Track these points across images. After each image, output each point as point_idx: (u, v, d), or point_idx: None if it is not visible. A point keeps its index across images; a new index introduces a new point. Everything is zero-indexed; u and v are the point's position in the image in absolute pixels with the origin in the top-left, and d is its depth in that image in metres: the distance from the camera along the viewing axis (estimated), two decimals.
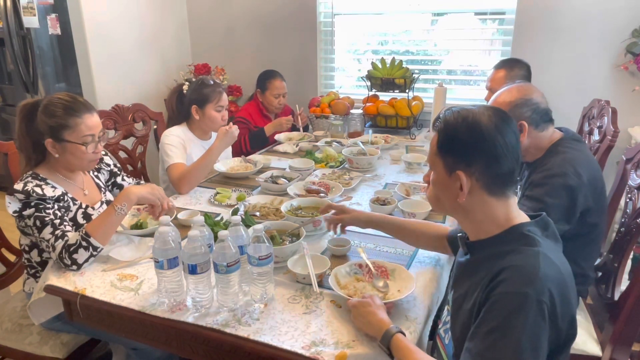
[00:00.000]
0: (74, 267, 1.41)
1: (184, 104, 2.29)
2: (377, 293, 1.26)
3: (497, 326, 0.87)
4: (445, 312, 1.16)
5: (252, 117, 3.00)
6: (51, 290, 1.38)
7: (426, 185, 1.12)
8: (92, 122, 1.54)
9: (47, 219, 1.44)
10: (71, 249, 1.41)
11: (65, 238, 1.43)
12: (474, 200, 0.99)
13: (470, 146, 0.97)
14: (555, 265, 0.92)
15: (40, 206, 1.45)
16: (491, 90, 2.44)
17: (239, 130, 2.82)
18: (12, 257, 1.88)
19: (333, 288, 1.26)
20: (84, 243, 1.42)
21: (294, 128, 3.16)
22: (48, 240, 1.42)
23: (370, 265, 1.36)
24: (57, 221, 1.46)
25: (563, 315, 0.90)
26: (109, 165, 1.83)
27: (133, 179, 1.92)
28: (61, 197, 1.53)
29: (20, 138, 1.55)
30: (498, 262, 0.94)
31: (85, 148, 1.53)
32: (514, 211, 1.01)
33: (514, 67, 2.38)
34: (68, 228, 1.47)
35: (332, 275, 1.32)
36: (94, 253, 1.45)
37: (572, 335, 0.95)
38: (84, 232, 1.44)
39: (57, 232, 1.43)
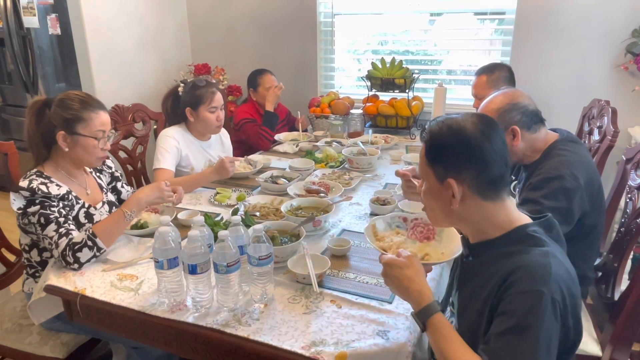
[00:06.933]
0: (76, 265, 1.42)
1: (180, 106, 2.26)
2: (415, 253, 1.18)
3: (513, 326, 0.86)
4: (448, 313, 1.15)
5: (253, 116, 3.00)
6: (51, 290, 1.38)
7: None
8: (105, 118, 1.59)
9: (51, 216, 1.45)
10: (76, 247, 1.42)
11: (70, 236, 1.44)
12: (468, 206, 0.99)
13: (458, 153, 0.97)
14: (564, 266, 0.92)
15: (46, 204, 1.46)
16: (476, 96, 2.46)
17: (251, 130, 2.83)
18: (12, 257, 1.88)
19: (367, 238, 1.22)
20: (89, 243, 1.44)
21: (293, 128, 3.16)
22: (51, 238, 1.43)
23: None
24: (62, 219, 1.46)
25: (572, 316, 0.90)
26: (110, 167, 1.84)
27: (131, 188, 1.94)
28: (66, 196, 1.53)
29: (30, 134, 1.56)
30: (506, 263, 0.93)
31: (97, 143, 1.55)
32: (514, 212, 1.01)
33: (494, 71, 2.40)
34: (72, 227, 1.48)
35: (369, 226, 1.26)
36: (97, 254, 1.46)
37: (578, 337, 0.94)
38: (90, 232, 1.46)
39: (62, 230, 1.44)
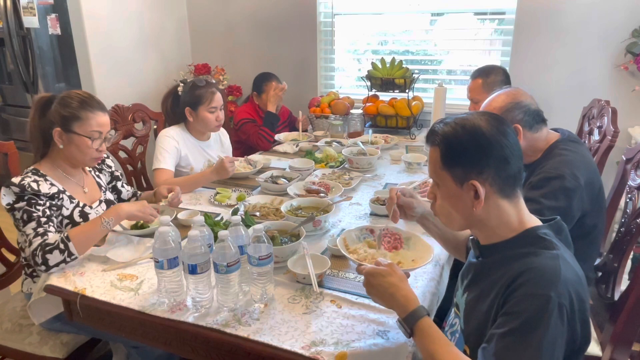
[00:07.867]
0: (43, 267, 1.39)
1: (180, 106, 2.26)
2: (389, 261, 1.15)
3: (517, 327, 0.85)
4: (452, 315, 1.15)
5: (253, 117, 3.00)
6: (51, 290, 1.38)
7: (427, 188, 1.09)
8: (102, 120, 1.59)
9: (34, 214, 1.45)
10: (47, 248, 1.39)
11: (45, 237, 1.42)
12: (488, 206, 0.97)
13: (479, 153, 0.95)
14: (573, 269, 0.92)
15: (32, 201, 1.46)
16: (472, 100, 2.46)
17: (251, 130, 2.83)
18: (12, 257, 1.88)
19: (341, 251, 1.23)
20: (61, 246, 1.40)
21: (293, 128, 3.16)
22: (28, 235, 1.42)
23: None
24: (44, 219, 1.46)
25: (580, 320, 0.89)
26: (110, 167, 1.84)
27: (131, 188, 1.93)
28: (56, 195, 1.53)
29: (31, 128, 1.58)
30: (516, 264, 0.93)
31: (91, 143, 1.55)
32: (525, 214, 1.00)
33: (489, 74, 2.40)
34: (52, 229, 1.46)
35: (340, 238, 1.28)
36: (68, 259, 1.42)
37: (586, 341, 0.93)
38: (65, 235, 1.43)
39: (40, 229, 1.43)
